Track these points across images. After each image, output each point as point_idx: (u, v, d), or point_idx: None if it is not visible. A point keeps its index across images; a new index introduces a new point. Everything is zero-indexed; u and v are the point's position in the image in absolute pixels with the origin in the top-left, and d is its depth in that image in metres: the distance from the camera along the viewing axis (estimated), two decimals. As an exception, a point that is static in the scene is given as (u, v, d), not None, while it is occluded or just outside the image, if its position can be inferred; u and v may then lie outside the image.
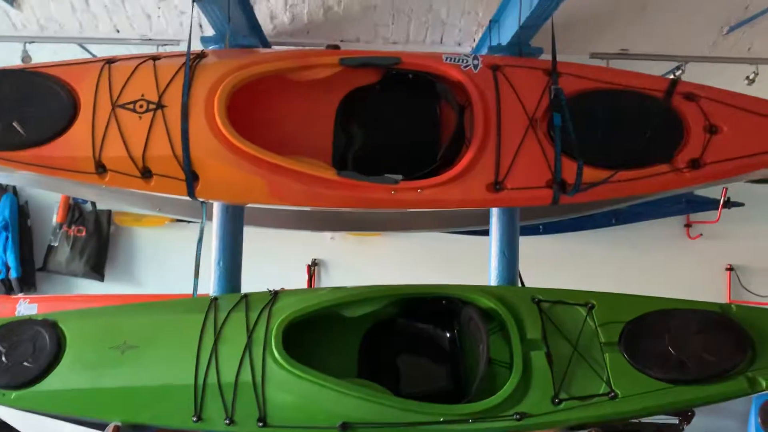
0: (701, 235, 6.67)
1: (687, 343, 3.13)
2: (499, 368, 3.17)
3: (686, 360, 3.08)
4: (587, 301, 3.27)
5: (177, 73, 3.00)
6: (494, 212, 3.55)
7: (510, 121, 3.02)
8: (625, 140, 3.05)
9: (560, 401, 2.96)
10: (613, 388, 3.02)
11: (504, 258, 3.55)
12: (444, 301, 3.34)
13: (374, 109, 3.32)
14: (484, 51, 3.84)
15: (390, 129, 3.32)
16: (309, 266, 6.48)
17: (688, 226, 6.81)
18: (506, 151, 2.98)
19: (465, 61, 3.12)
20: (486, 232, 3.71)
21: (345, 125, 3.31)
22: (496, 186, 2.99)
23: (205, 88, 2.98)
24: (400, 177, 3.01)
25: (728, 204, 6.32)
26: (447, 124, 3.27)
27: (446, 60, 3.14)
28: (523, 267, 3.69)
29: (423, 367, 3.36)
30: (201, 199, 3.11)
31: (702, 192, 6.33)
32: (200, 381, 2.96)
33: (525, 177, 2.99)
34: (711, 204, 6.40)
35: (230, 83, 2.99)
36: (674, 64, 4.68)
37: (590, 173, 2.98)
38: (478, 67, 3.11)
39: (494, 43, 3.72)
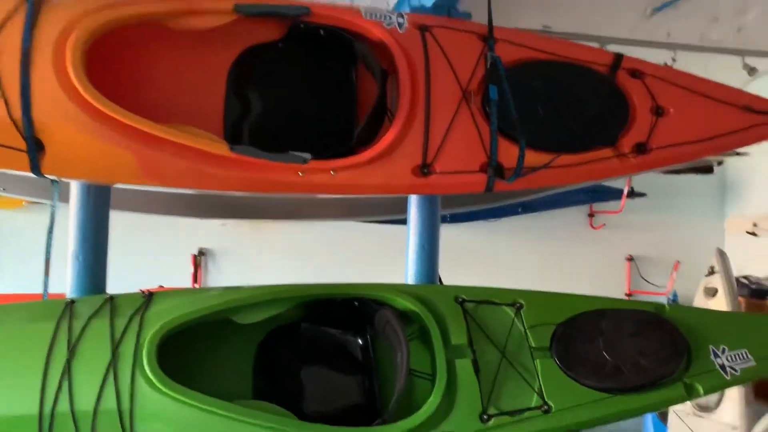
0: (604, 225, 6.64)
1: (622, 348, 2.85)
2: (419, 380, 2.74)
3: (622, 366, 2.80)
4: (515, 300, 2.92)
5: (16, 9, 2.27)
6: (414, 199, 3.09)
7: (441, 93, 2.55)
8: (567, 119, 2.67)
9: (489, 417, 2.59)
10: (546, 399, 2.69)
11: (424, 252, 3.10)
12: (356, 303, 2.85)
13: (277, 72, 2.73)
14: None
15: (296, 97, 2.74)
16: (195, 257, 5.78)
17: (591, 215, 6.76)
18: (436, 128, 2.51)
19: (388, 18, 2.61)
20: (402, 221, 3.26)
21: (240, 89, 2.70)
22: (424, 169, 2.51)
23: (55, 30, 2.25)
24: (308, 156, 2.46)
25: (632, 194, 6.29)
26: (366, 94, 2.74)
27: (366, 15, 2.61)
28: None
29: (331, 382, 2.86)
30: (50, 177, 2.41)
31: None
32: (47, 410, 2.30)
33: (457, 159, 2.54)
34: (615, 194, 6.36)
35: (90, 26, 2.28)
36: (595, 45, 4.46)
37: (528, 156, 2.58)
38: (404, 27, 2.61)
39: (415, 3, 3.23)
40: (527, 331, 2.83)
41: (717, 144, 2.73)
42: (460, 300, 2.85)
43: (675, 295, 6.50)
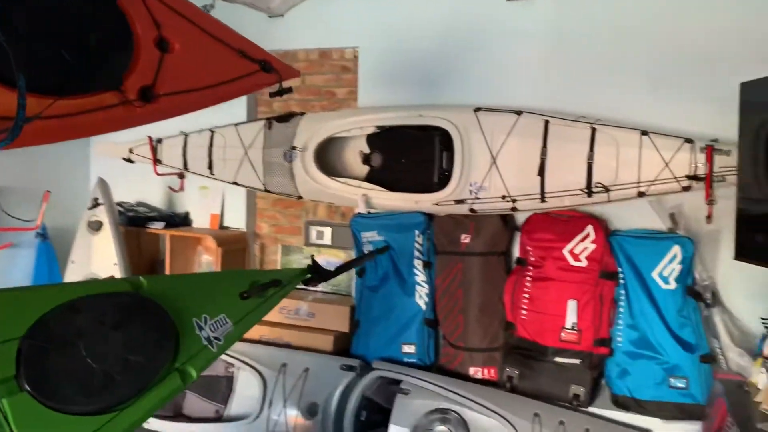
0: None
1: (108, 348, 2.23)
2: None
3: (112, 372, 2.19)
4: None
5: None
6: None
7: None
8: (63, 46, 1.74)
9: None
10: (22, 453, 1.88)
11: None
12: None
13: None
14: None
15: None
16: None
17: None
18: None
19: None
20: None
21: None
22: None
23: None
24: None
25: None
26: None
27: None
28: None
29: None
30: None
31: None
32: None
33: None
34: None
35: None
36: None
37: (9, 99, 1.56)
38: None
39: None
40: (-21, 358, 1.88)
41: (221, 92, 2.30)
42: None
43: (44, 228, 5.73)
